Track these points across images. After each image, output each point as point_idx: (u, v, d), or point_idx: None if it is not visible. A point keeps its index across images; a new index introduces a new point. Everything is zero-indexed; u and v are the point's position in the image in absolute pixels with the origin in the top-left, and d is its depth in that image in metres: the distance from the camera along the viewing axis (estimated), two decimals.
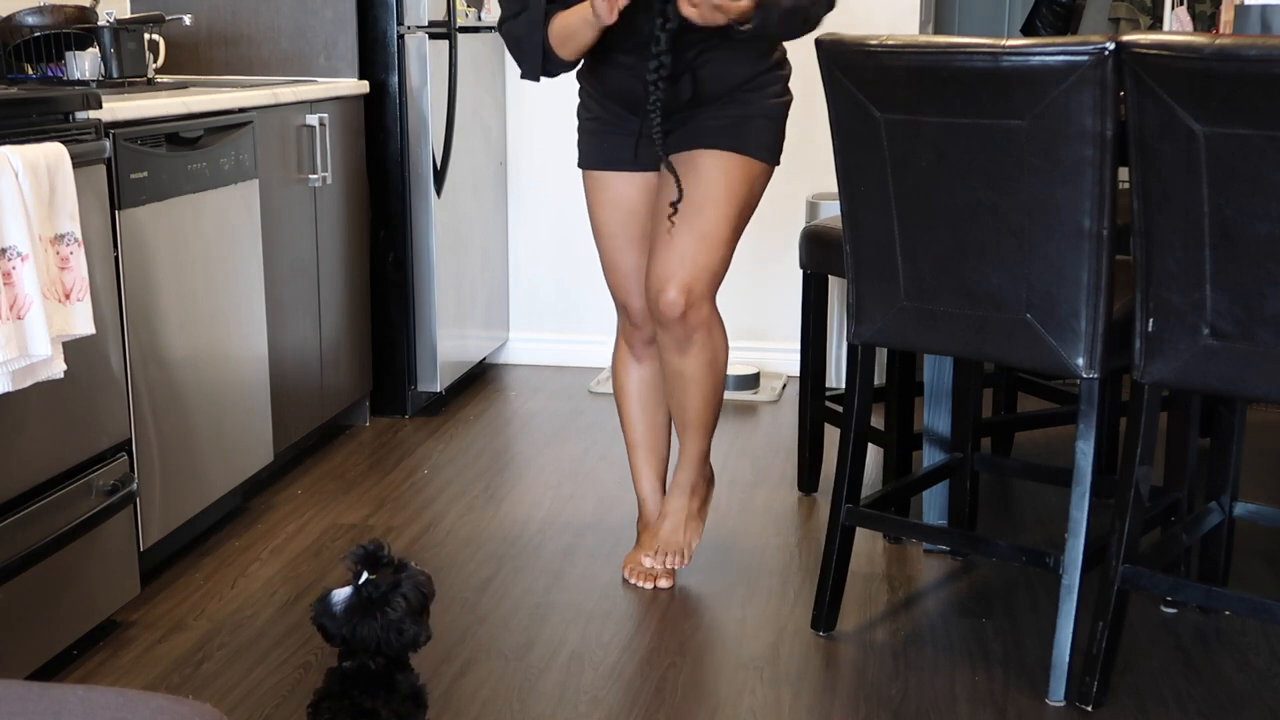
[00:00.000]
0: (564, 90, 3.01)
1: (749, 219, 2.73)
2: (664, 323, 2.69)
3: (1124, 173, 2.22)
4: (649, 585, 2.84)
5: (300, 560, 2.98)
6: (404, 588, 1.85)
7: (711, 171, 2.64)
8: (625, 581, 2.87)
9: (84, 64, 3.22)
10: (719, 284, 2.71)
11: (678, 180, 2.60)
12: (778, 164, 2.75)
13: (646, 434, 2.92)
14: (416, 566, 1.91)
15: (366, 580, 1.85)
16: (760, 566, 2.96)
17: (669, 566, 2.84)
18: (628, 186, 2.77)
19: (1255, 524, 2.78)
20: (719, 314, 2.75)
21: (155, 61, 3.46)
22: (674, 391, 2.80)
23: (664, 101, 2.56)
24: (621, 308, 2.87)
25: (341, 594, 1.86)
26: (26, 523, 2.31)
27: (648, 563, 2.84)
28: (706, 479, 2.95)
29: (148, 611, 2.71)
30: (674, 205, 2.62)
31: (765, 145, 2.69)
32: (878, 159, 2.39)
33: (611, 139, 2.75)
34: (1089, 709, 2.33)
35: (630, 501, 3.13)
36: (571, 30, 2.56)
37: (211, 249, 2.94)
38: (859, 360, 2.57)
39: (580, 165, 2.82)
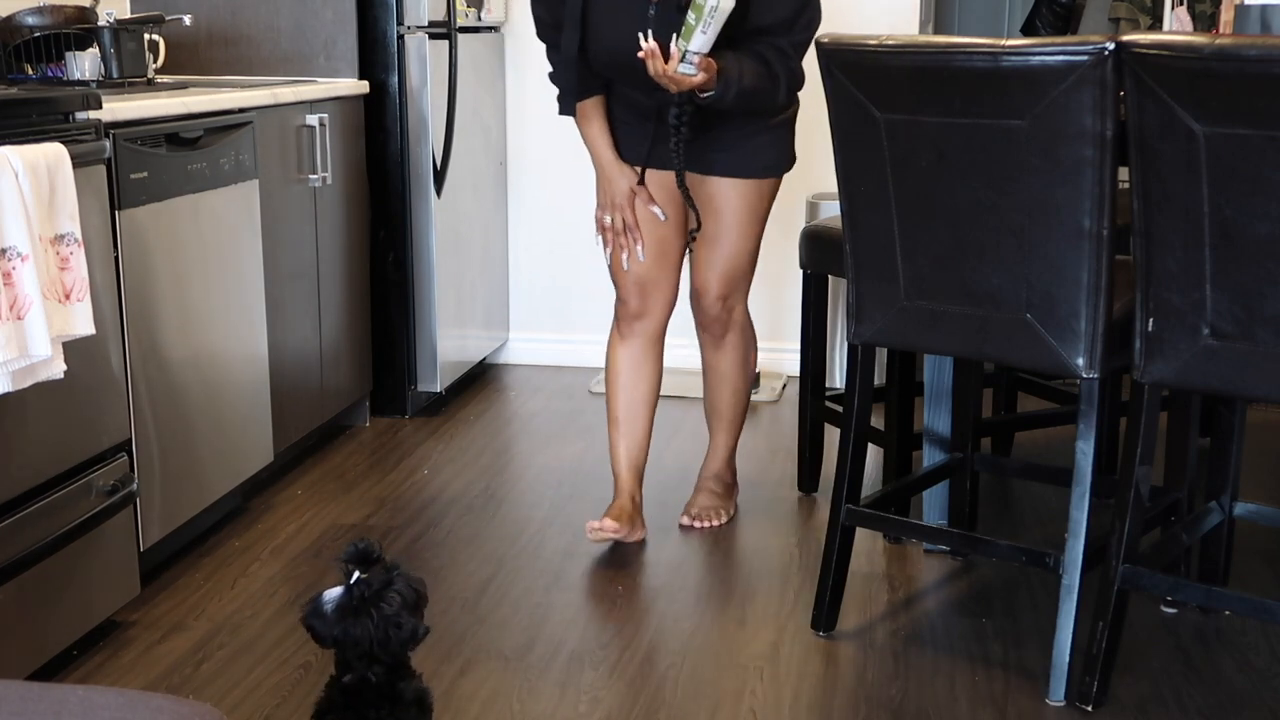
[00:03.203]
0: None
1: (767, 220, 3.01)
2: (703, 324, 3.08)
3: (1124, 173, 2.22)
4: (613, 537, 3.00)
5: (300, 560, 2.98)
6: (397, 584, 1.83)
7: (732, 201, 2.92)
8: (590, 542, 3.04)
9: (84, 64, 3.22)
10: (750, 282, 3.06)
11: (695, 211, 2.93)
12: (791, 167, 2.99)
13: (624, 410, 3.08)
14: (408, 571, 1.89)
15: (359, 579, 1.83)
16: (760, 566, 2.96)
17: (710, 524, 3.15)
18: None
19: (1255, 524, 2.78)
20: (750, 318, 3.11)
21: (155, 62, 3.46)
22: (709, 388, 3.18)
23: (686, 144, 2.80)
24: (621, 301, 3.05)
25: (332, 594, 1.84)
26: (26, 523, 2.31)
27: (685, 521, 3.16)
28: (732, 476, 3.26)
29: (148, 611, 2.71)
30: (692, 234, 2.97)
31: (781, 158, 2.94)
32: (878, 159, 2.39)
33: (633, 137, 2.93)
34: (1089, 709, 2.33)
35: None
36: (589, 145, 2.95)
37: (211, 249, 2.94)
38: (859, 360, 2.57)
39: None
